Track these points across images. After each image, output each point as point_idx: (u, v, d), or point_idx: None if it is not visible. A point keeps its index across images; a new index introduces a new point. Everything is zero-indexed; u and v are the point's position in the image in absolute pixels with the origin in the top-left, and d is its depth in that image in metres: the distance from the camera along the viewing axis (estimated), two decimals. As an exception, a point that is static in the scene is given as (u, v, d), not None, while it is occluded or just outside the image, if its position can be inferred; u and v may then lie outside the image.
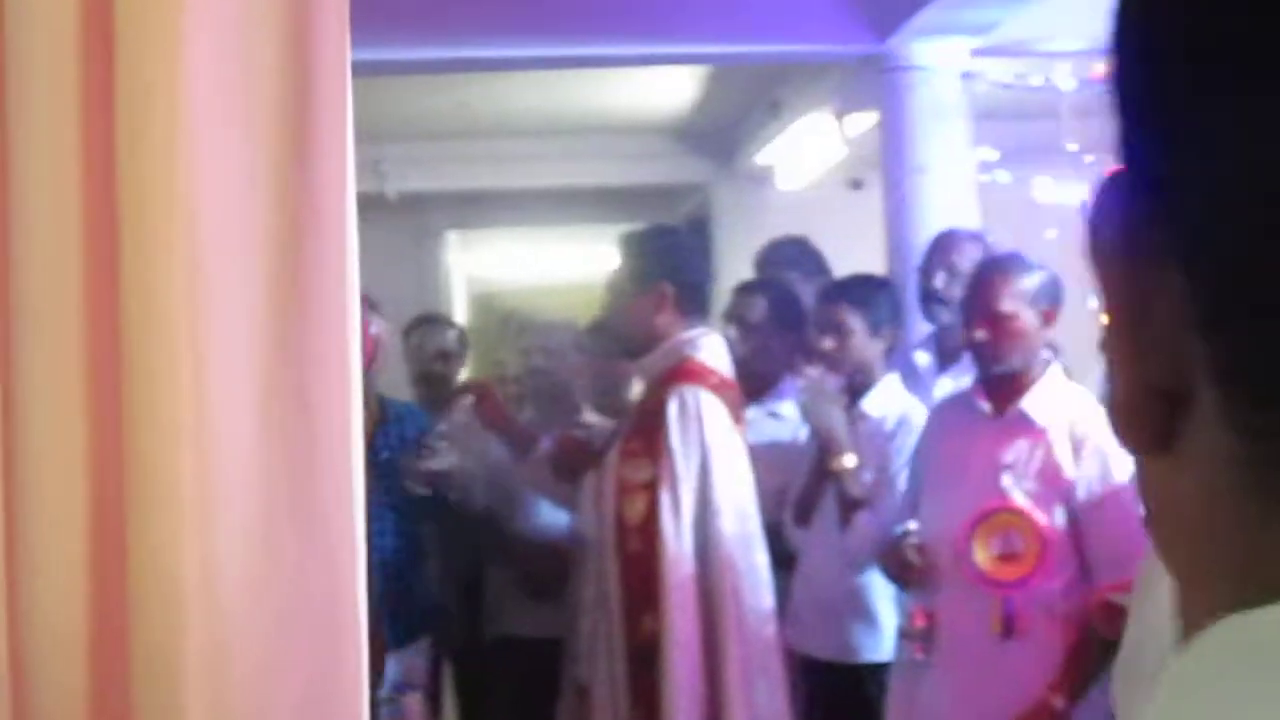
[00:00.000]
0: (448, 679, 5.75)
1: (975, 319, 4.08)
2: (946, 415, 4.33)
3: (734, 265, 7.32)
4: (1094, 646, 3.83)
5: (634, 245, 4.61)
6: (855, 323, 4.66)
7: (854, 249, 6.01)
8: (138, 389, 1.57)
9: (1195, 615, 0.54)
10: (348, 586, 1.61)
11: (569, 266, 15.37)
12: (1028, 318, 4.02)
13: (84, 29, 1.56)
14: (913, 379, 5.07)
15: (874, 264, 6.36)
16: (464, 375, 6.53)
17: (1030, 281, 4.05)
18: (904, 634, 4.13)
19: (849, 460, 4.50)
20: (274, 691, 1.60)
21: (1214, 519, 0.55)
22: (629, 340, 4.61)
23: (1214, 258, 0.53)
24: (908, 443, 4.56)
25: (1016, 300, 4.01)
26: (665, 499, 4.17)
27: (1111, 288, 0.57)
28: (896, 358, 5.45)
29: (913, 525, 4.12)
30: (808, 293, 5.30)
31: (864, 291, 4.80)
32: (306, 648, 1.61)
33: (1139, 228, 0.56)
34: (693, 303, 4.43)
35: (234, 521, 1.59)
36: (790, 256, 5.80)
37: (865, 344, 4.67)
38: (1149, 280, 0.55)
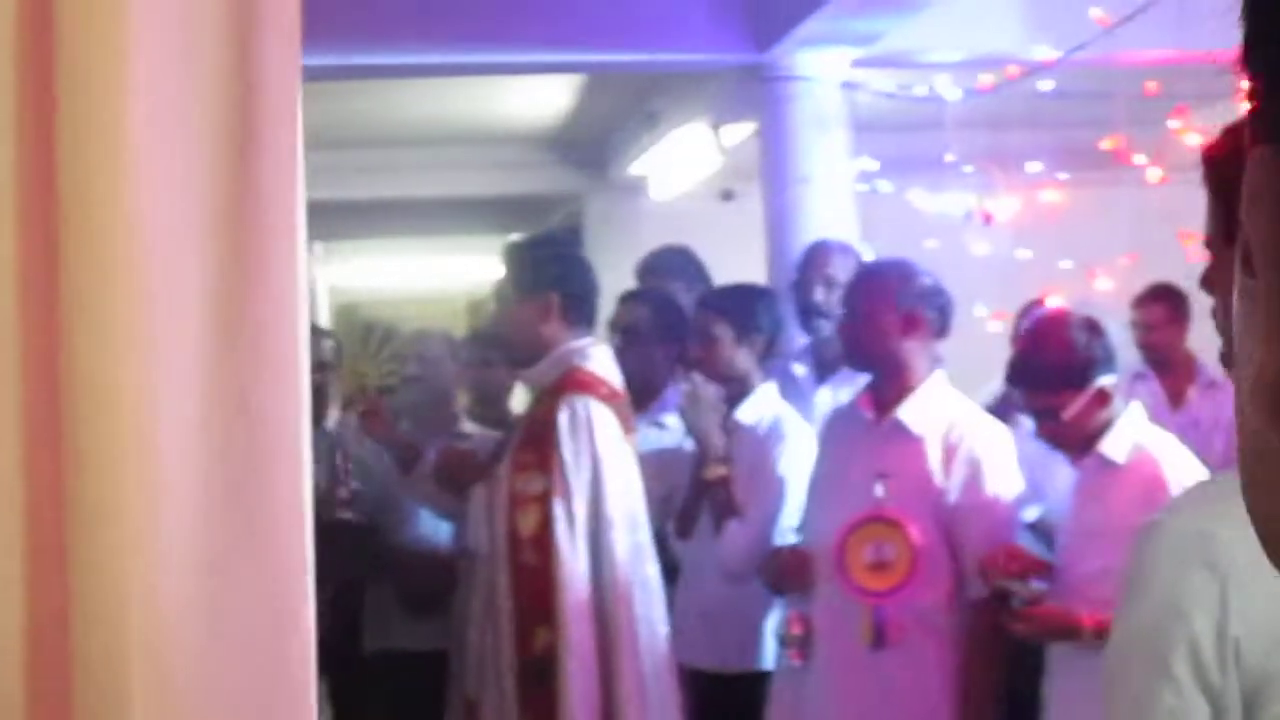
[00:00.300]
0: (324, 694, 5.68)
1: (856, 322, 4.11)
2: (834, 424, 4.35)
3: (607, 276, 7.31)
4: (985, 655, 3.87)
5: (519, 254, 4.58)
6: (723, 331, 4.68)
7: (728, 260, 6.03)
8: (79, 396, 1.52)
9: None
10: (297, 600, 1.57)
11: (435, 278, 15.31)
12: (906, 321, 4.05)
13: (21, 24, 1.51)
14: (792, 390, 5.09)
15: (748, 274, 6.37)
16: (335, 386, 6.43)
17: (916, 286, 4.09)
18: (782, 640, 4.14)
19: (720, 469, 4.52)
20: (220, 706, 1.56)
21: None
22: (515, 349, 4.59)
23: None
24: (782, 450, 4.59)
25: (900, 303, 4.04)
26: (559, 511, 4.15)
27: (1266, 255, 0.55)
28: (775, 368, 5.48)
29: (791, 535, 4.15)
30: (690, 302, 5.31)
31: (734, 301, 4.82)
32: (252, 661, 1.57)
33: None
34: (579, 312, 4.40)
35: (178, 531, 1.55)
36: (672, 266, 5.80)
37: (734, 352, 4.70)
38: None
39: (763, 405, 4.72)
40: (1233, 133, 1.57)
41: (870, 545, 3.94)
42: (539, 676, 4.16)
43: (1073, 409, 3.64)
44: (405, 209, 11.69)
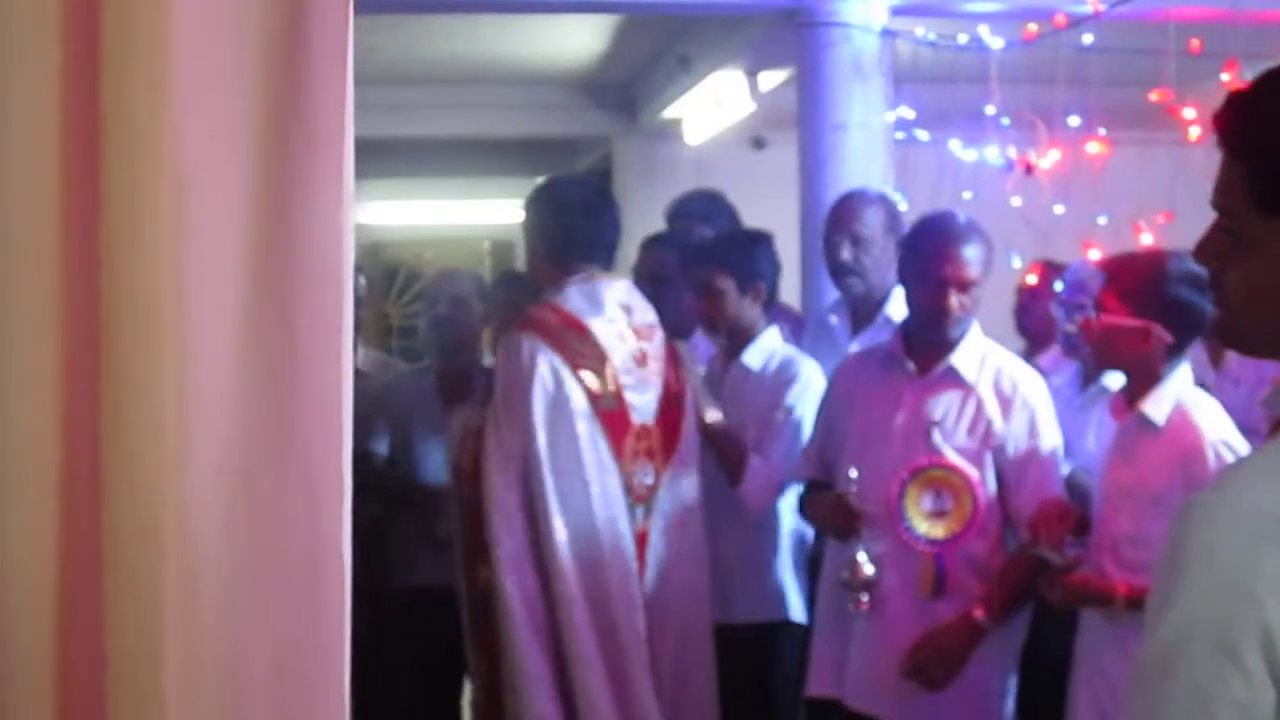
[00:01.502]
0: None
1: (928, 285, 4.04)
2: (861, 373, 4.28)
3: (636, 220, 7.26)
4: (1027, 564, 3.81)
5: (527, 196, 4.51)
6: (726, 284, 4.64)
7: (758, 208, 5.96)
8: (119, 312, 1.49)
9: None
10: (332, 524, 1.54)
11: (460, 218, 15.26)
12: (978, 279, 4.01)
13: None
14: (827, 340, 5.04)
15: (778, 222, 6.32)
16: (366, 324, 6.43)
17: (978, 246, 4.04)
18: (846, 585, 4.07)
19: (715, 414, 4.49)
20: (252, 627, 1.53)
21: None
22: (534, 289, 4.55)
23: None
24: (796, 389, 4.57)
25: (974, 265, 4.00)
26: (492, 445, 4.08)
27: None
28: (810, 318, 5.43)
29: (854, 474, 4.07)
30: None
31: (735, 251, 4.76)
32: (286, 583, 1.54)
33: None
34: (565, 252, 4.27)
35: (215, 445, 1.52)
36: (703, 209, 5.74)
37: (739, 304, 4.66)
38: None
39: (767, 349, 4.69)
40: (1242, 96, 1.52)
41: (929, 494, 3.91)
42: (483, 610, 4.11)
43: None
44: (433, 148, 11.65)
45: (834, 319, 5.18)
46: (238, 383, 1.53)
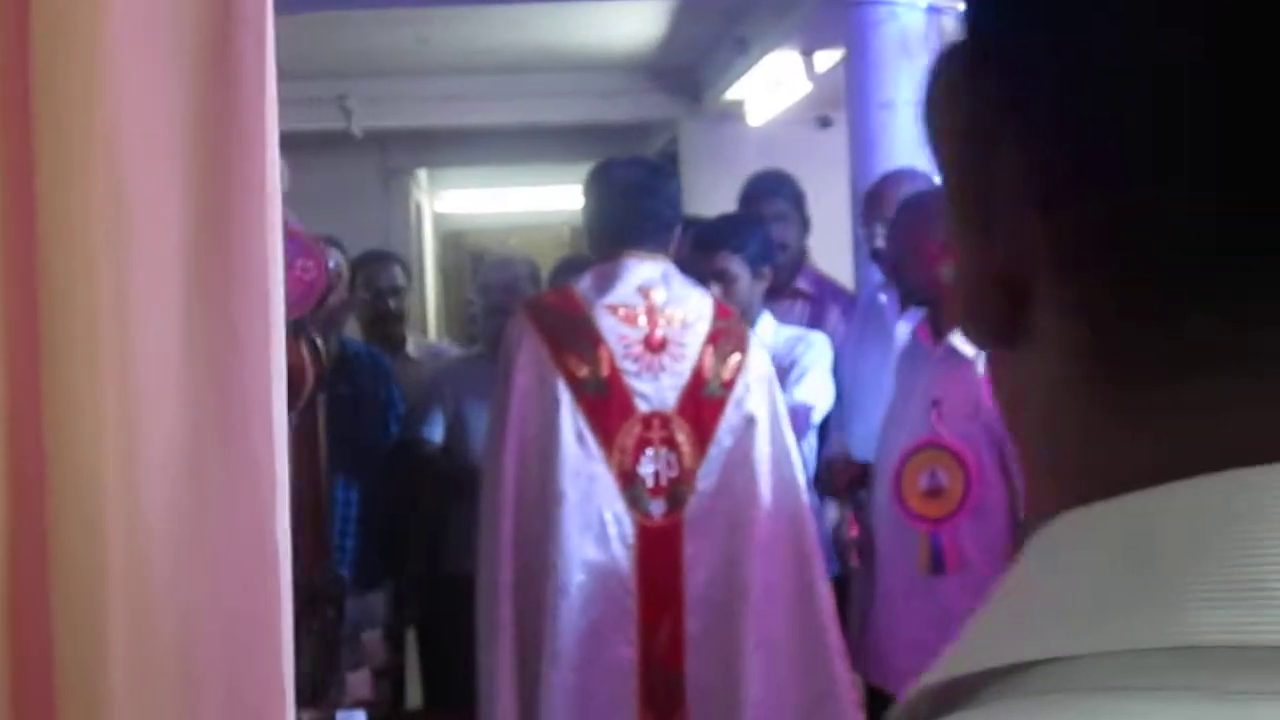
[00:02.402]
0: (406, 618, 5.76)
1: (900, 255, 4.08)
2: (903, 356, 4.32)
3: (704, 201, 7.29)
4: None
5: (584, 182, 4.51)
6: (740, 269, 4.62)
7: (823, 187, 5.98)
8: (56, 311, 1.54)
9: (1043, 514, 0.52)
10: (271, 510, 1.59)
11: (537, 204, 15.32)
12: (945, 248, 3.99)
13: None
14: (875, 318, 5.04)
15: (842, 202, 6.33)
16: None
17: None
18: (838, 543, 4.14)
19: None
20: (200, 609, 1.59)
21: (1058, 415, 0.53)
22: None
23: (1051, 135, 0.51)
24: (810, 357, 4.60)
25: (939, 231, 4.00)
26: (493, 429, 4.13)
27: (951, 169, 0.55)
28: (863, 296, 5.44)
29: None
30: (787, 228, 5.27)
31: (744, 235, 4.72)
32: (232, 568, 1.59)
33: (978, 105, 0.53)
34: (597, 238, 4.25)
35: (157, 445, 1.57)
36: (777, 188, 5.71)
37: (751, 288, 4.64)
38: (988, 160, 0.53)
39: (767, 332, 4.68)
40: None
41: (925, 472, 3.92)
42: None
43: None
44: (506, 136, 11.73)
45: (883, 297, 5.19)
46: (179, 379, 1.58)
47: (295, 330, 3.48)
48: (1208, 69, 0.47)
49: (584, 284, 4.14)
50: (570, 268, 5.89)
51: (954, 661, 0.50)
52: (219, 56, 1.56)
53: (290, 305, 3.57)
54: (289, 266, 3.55)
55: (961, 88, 0.54)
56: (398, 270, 6.11)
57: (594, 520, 3.96)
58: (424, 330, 11.89)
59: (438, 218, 15.52)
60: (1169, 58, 0.48)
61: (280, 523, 1.58)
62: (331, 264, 5.07)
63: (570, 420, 3.97)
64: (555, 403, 3.97)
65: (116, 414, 1.54)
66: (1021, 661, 0.48)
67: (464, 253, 15.49)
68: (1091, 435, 0.52)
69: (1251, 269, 0.48)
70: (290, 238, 3.52)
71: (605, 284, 4.10)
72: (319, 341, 3.72)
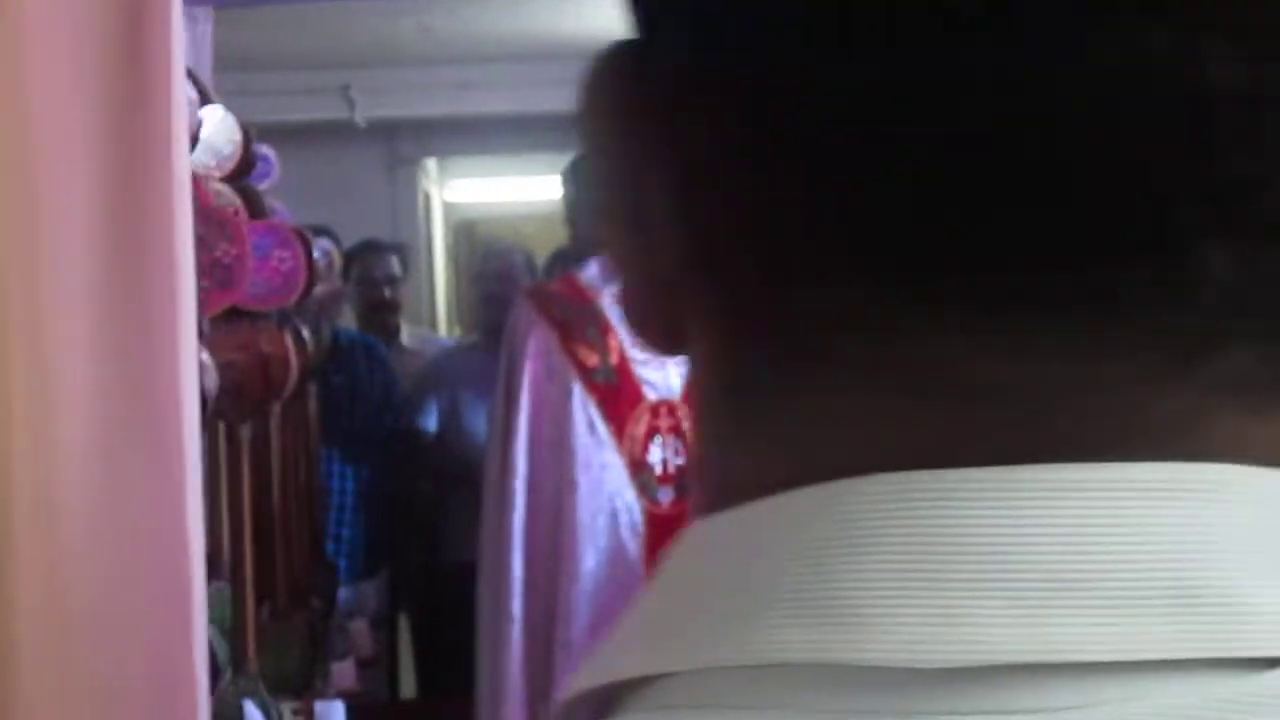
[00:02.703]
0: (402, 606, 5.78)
1: None
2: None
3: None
4: None
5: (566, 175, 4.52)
6: None
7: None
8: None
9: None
10: (185, 496, 1.61)
11: (551, 193, 15.26)
12: None
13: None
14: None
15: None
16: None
17: None
18: None
19: None
20: (116, 595, 1.61)
21: (706, 422, 0.52)
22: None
23: (690, 138, 0.49)
24: None
25: None
26: (496, 414, 4.14)
27: (607, 172, 0.53)
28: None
29: None
30: None
31: None
32: (148, 557, 1.61)
33: (629, 104, 0.52)
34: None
35: (68, 434, 1.59)
36: None
37: None
38: (640, 162, 0.51)
39: None
40: None
41: None
42: None
43: None
44: (516, 124, 11.68)
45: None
46: (93, 370, 1.60)
47: (280, 320, 3.48)
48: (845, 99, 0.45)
49: (589, 273, 4.13)
50: (567, 257, 5.90)
51: (589, 672, 0.50)
52: (129, 52, 1.57)
53: (268, 295, 3.58)
54: (265, 258, 3.56)
55: (614, 87, 0.52)
56: (393, 260, 6.13)
57: (605, 508, 3.97)
58: (433, 320, 11.87)
59: (448, 207, 15.48)
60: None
61: (191, 508, 1.59)
62: (318, 254, 5.09)
63: (581, 409, 3.98)
64: (566, 392, 3.99)
65: (24, 407, 1.56)
66: (646, 675, 0.47)
67: (476, 242, 15.44)
68: (727, 444, 0.51)
69: (884, 270, 0.46)
70: (267, 229, 3.53)
71: (596, 275, 4.12)
72: (305, 332, 3.73)
